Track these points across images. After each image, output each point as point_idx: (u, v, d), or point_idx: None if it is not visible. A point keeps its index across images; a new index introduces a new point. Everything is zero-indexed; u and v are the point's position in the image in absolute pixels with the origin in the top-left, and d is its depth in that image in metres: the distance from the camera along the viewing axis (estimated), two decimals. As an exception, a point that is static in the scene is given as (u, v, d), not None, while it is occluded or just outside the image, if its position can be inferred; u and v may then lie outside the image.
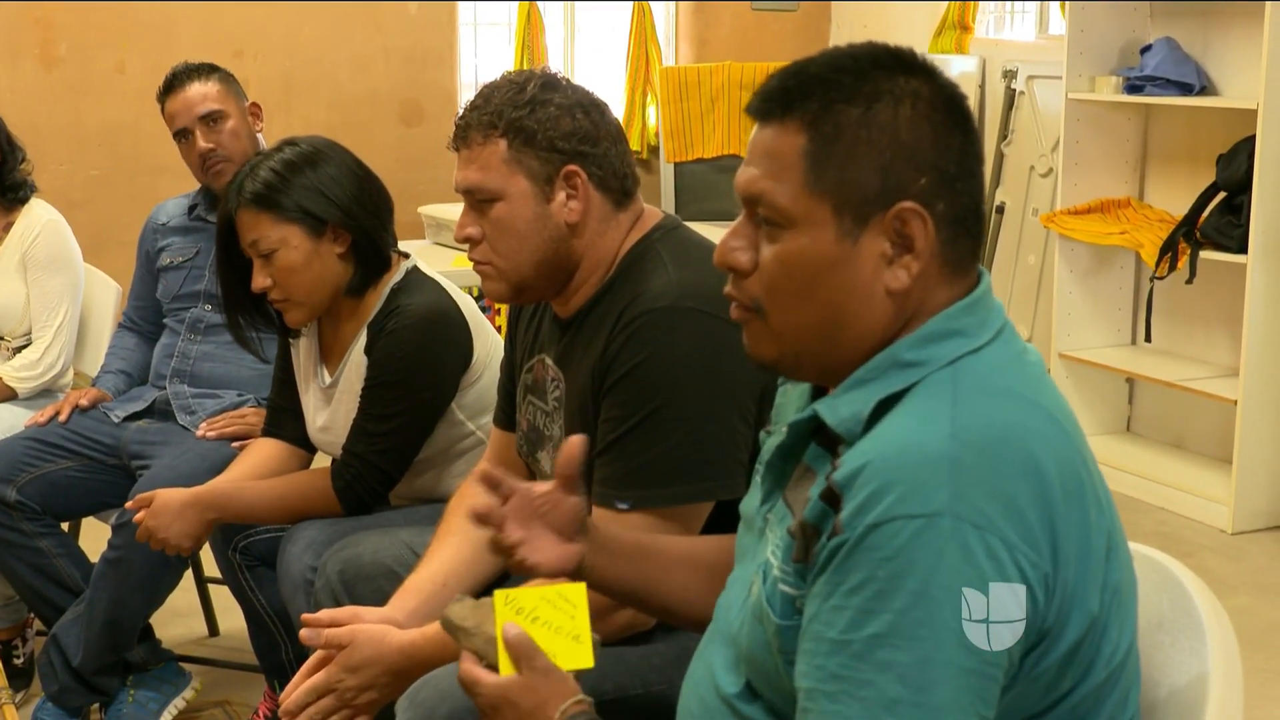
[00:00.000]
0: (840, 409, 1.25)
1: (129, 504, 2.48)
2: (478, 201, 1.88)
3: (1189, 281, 4.44)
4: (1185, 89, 4.60)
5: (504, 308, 4.75)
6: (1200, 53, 4.69)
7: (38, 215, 3.28)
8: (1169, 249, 4.47)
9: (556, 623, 1.41)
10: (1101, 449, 4.76)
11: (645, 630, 1.79)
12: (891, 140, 1.24)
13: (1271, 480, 4.36)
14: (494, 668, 1.40)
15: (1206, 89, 4.65)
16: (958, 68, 5.89)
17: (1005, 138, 5.70)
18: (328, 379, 2.51)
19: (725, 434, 1.77)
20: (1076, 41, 4.85)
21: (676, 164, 6.41)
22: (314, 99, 5.85)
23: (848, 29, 6.62)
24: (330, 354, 2.52)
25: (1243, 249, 4.27)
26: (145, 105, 3.14)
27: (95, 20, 5.46)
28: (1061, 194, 4.96)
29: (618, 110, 5.76)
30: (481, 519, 1.49)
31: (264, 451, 2.60)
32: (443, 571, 2.01)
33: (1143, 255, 4.64)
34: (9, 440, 2.95)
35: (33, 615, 3.14)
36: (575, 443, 1.51)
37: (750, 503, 1.42)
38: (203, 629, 3.46)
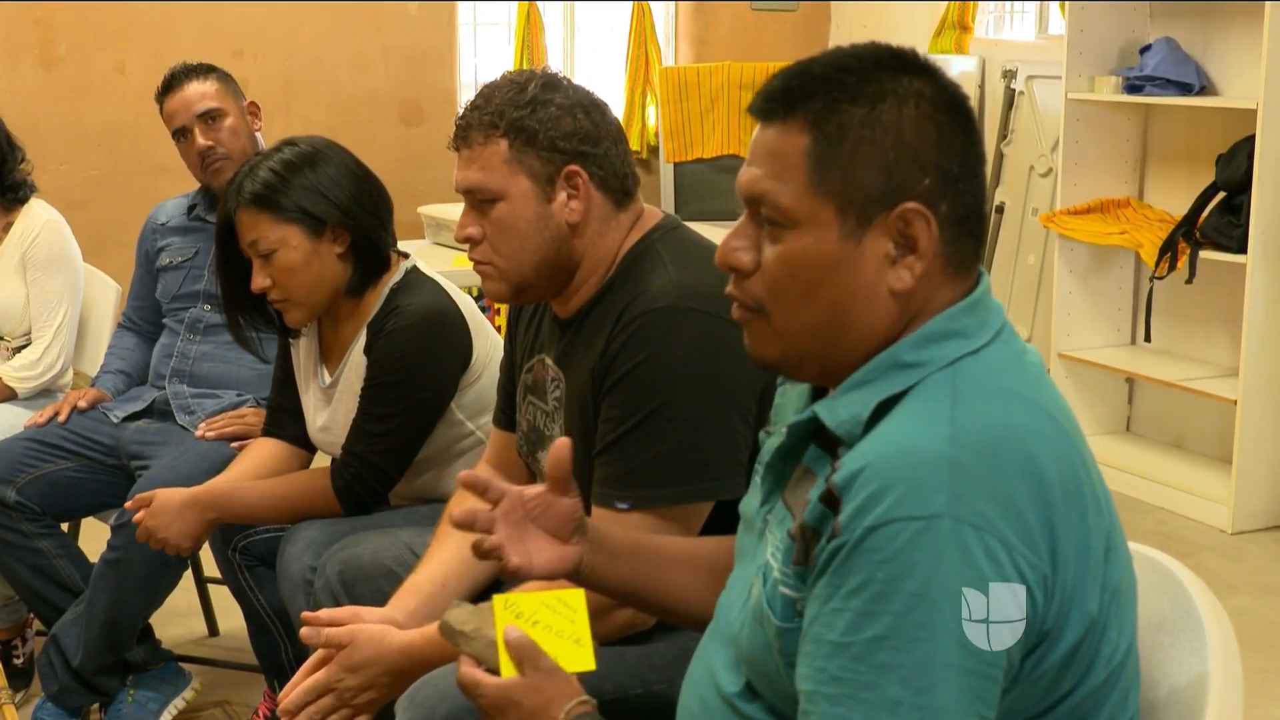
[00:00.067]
0: (839, 410, 1.25)
1: (128, 504, 2.48)
2: (478, 201, 1.88)
3: (1189, 281, 4.44)
4: (1185, 89, 4.60)
5: (504, 308, 4.76)
6: (1200, 53, 4.69)
7: (37, 215, 3.27)
8: (1169, 249, 4.47)
9: (556, 626, 1.41)
10: (1101, 449, 4.76)
11: (645, 630, 1.79)
12: (896, 140, 1.24)
13: (1271, 480, 4.36)
14: (494, 671, 1.40)
15: (1206, 89, 4.65)
16: (957, 68, 5.89)
17: (1005, 138, 5.70)
18: (328, 379, 2.51)
19: (725, 434, 1.77)
20: (1076, 41, 4.85)
21: (676, 164, 6.41)
22: (314, 99, 5.85)
23: (847, 29, 6.62)
24: (330, 354, 2.52)
25: (1242, 249, 4.27)
26: (145, 105, 3.14)
27: (95, 20, 5.46)
28: (1061, 194, 4.96)
29: (617, 110, 5.75)
30: (463, 524, 1.49)
31: (264, 451, 2.60)
32: (442, 572, 2.01)
33: (1142, 255, 4.64)
34: (8, 441, 2.95)
35: (32, 615, 3.13)
36: (563, 445, 1.51)
37: (750, 503, 1.41)
38: (202, 629, 3.46)
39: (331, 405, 2.50)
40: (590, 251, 1.89)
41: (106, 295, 3.43)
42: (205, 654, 3.29)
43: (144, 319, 3.21)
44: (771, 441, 1.37)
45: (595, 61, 6.61)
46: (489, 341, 2.47)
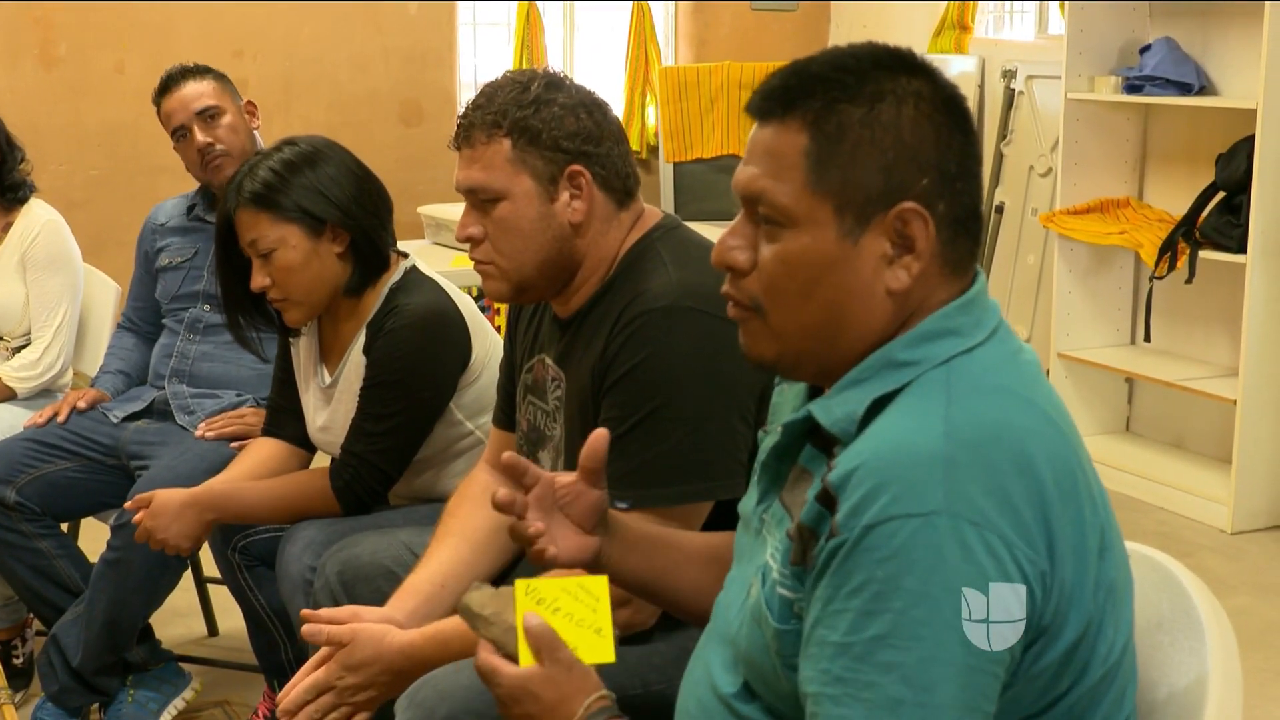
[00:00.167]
0: (834, 409, 1.25)
1: (128, 505, 2.48)
2: (480, 201, 1.87)
3: (1188, 281, 4.44)
4: (1184, 89, 4.60)
5: (503, 308, 4.76)
6: (1199, 53, 4.69)
7: (37, 215, 3.27)
8: (1168, 249, 4.47)
9: (578, 615, 1.39)
10: (1101, 449, 4.76)
11: (645, 630, 1.79)
12: (894, 140, 1.24)
13: (1271, 480, 4.36)
14: (511, 657, 1.37)
15: (1206, 89, 4.65)
16: (957, 67, 5.89)
17: (1004, 137, 5.70)
18: (327, 378, 2.51)
19: (725, 433, 1.77)
20: (1076, 41, 4.85)
21: (676, 164, 6.41)
22: (313, 99, 5.85)
23: (847, 29, 6.62)
24: (330, 353, 2.53)
25: (1242, 249, 4.27)
26: (145, 105, 3.14)
27: (95, 20, 5.46)
28: (1061, 194, 4.96)
29: (617, 110, 5.75)
30: (504, 506, 1.47)
31: (264, 451, 2.60)
32: (441, 572, 2.01)
33: (1142, 255, 4.64)
34: (8, 441, 2.95)
35: (32, 615, 3.13)
36: (600, 436, 1.50)
37: (748, 503, 1.41)
38: (202, 629, 3.46)
39: (331, 405, 2.50)
40: (591, 251, 1.89)
41: (106, 295, 3.43)
42: (205, 654, 3.29)
43: (143, 319, 3.21)
44: (768, 441, 1.37)
45: (595, 61, 6.61)
46: (488, 341, 2.47)
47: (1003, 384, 1.23)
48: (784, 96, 1.27)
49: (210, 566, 2.99)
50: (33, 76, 5.41)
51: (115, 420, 2.99)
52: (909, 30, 6.17)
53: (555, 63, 6.47)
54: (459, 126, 1.89)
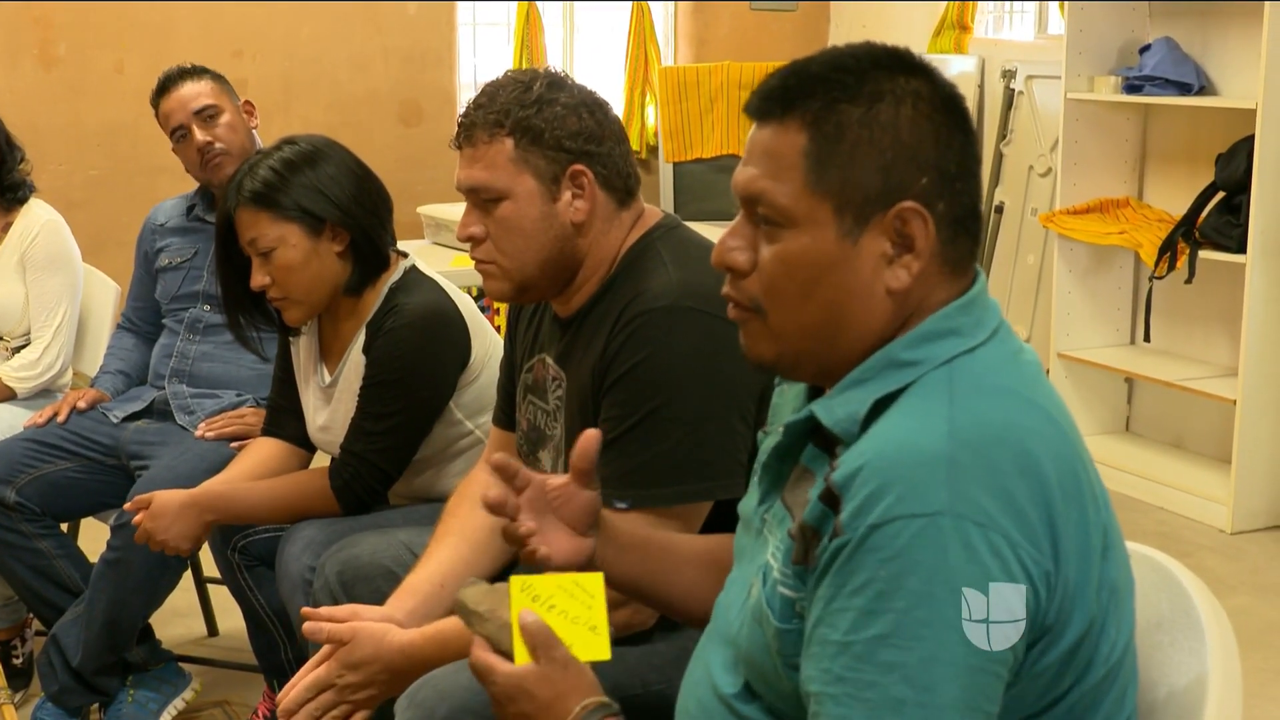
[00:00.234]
0: (836, 409, 1.25)
1: (127, 506, 2.48)
2: (482, 200, 1.87)
3: (1188, 281, 4.44)
4: (1184, 89, 4.60)
5: (503, 307, 4.75)
6: (1199, 53, 4.69)
7: (37, 215, 3.27)
8: (1168, 249, 4.47)
9: (573, 612, 1.38)
10: (1100, 449, 4.76)
11: (644, 630, 1.79)
12: (893, 140, 1.24)
13: (1270, 480, 4.36)
14: (506, 654, 1.37)
15: (1205, 89, 4.65)
16: (957, 67, 5.89)
17: (1004, 137, 5.70)
18: (327, 378, 2.51)
19: (724, 434, 1.77)
20: (1075, 41, 4.85)
21: (675, 164, 6.41)
22: (313, 99, 5.85)
23: (846, 29, 6.62)
24: (330, 353, 2.53)
25: (1242, 249, 4.27)
26: (144, 105, 3.15)
27: (94, 20, 5.46)
28: (1060, 194, 4.96)
29: (617, 110, 5.76)
30: (494, 508, 1.47)
31: (263, 451, 2.60)
32: (440, 572, 2.01)
33: (1142, 255, 4.64)
34: (8, 441, 2.95)
35: (32, 615, 3.14)
36: (591, 436, 1.50)
37: (748, 503, 1.41)
38: (202, 629, 3.46)
39: (331, 404, 2.50)
40: (593, 250, 1.89)
41: (106, 295, 3.43)
42: (205, 654, 3.29)
43: (143, 319, 3.21)
44: (769, 441, 1.37)
45: (594, 61, 6.61)
46: (488, 341, 2.47)
47: (1005, 384, 1.23)
48: (783, 97, 1.27)
49: (210, 566, 2.99)
50: (32, 76, 5.41)
51: (115, 420, 2.99)
52: (908, 30, 6.17)
53: (555, 63, 6.47)
54: (460, 126, 1.89)
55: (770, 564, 1.27)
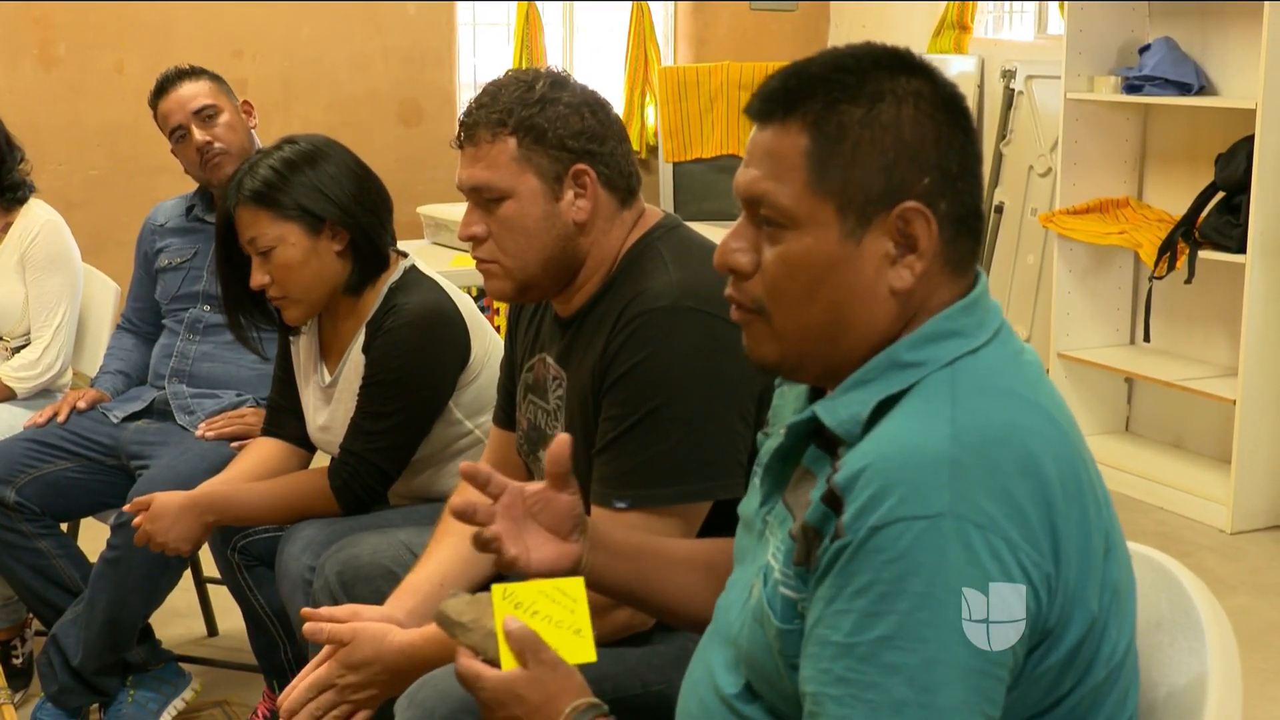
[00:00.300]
0: (839, 410, 1.25)
1: (127, 507, 2.48)
2: (484, 200, 1.87)
3: (1188, 281, 4.44)
4: (1184, 89, 4.61)
5: (503, 308, 4.75)
6: (1199, 52, 4.69)
7: (36, 215, 3.27)
8: (1168, 249, 4.47)
9: (556, 617, 1.39)
10: (1100, 449, 4.76)
11: (644, 630, 1.79)
12: (895, 140, 1.24)
13: (1270, 480, 4.36)
14: (493, 662, 1.37)
15: (1205, 89, 4.65)
16: (956, 67, 5.89)
17: (1004, 137, 5.70)
18: (328, 377, 2.51)
19: (724, 434, 1.77)
20: (1075, 41, 4.85)
21: (675, 164, 6.41)
22: (313, 99, 5.85)
23: (846, 29, 6.62)
24: (330, 352, 2.53)
25: (1241, 249, 4.27)
26: (144, 105, 3.15)
27: (94, 20, 5.46)
28: (1060, 194, 4.96)
29: (617, 110, 5.76)
30: (461, 515, 1.47)
31: (263, 451, 2.60)
32: (440, 571, 2.01)
33: (1141, 255, 4.64)
34: (8, 441, 2.95)
35: (31, 616, 3.14)
36: (563, 441, 1.50)
37: (749, 505, 1.41)
38: (202, 629, 3.46)
39: (331, 404, 2.50)
40: (594, 250, 1.89)
41: (106, 295, 3.43)
42: (204, 654, 3.29)
43: (143, 320, 3.21)
44: (770, 443, 1.36)
45: (594, 61, 6.61)
46: (487, 340, 2.47)
47: (1007, 386, 1.23)
48: (784, 98, 1.27)
49: (210, 566, 2.99)
50: (32, 76, 5.41)
51: (115, 420, 2.99)
52: (908, 30, 6.17)
53: (555, 63, 6.47)
54: (462, 125, 1.88)
55: (771, 565, 1.27)
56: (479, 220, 1.88)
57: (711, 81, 6.39)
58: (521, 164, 1.84)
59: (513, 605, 1.38)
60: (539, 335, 2.02)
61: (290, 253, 2.38)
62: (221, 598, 3.03)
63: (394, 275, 2.46)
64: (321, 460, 2.54)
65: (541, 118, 1.83)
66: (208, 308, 3.04)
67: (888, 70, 1.26)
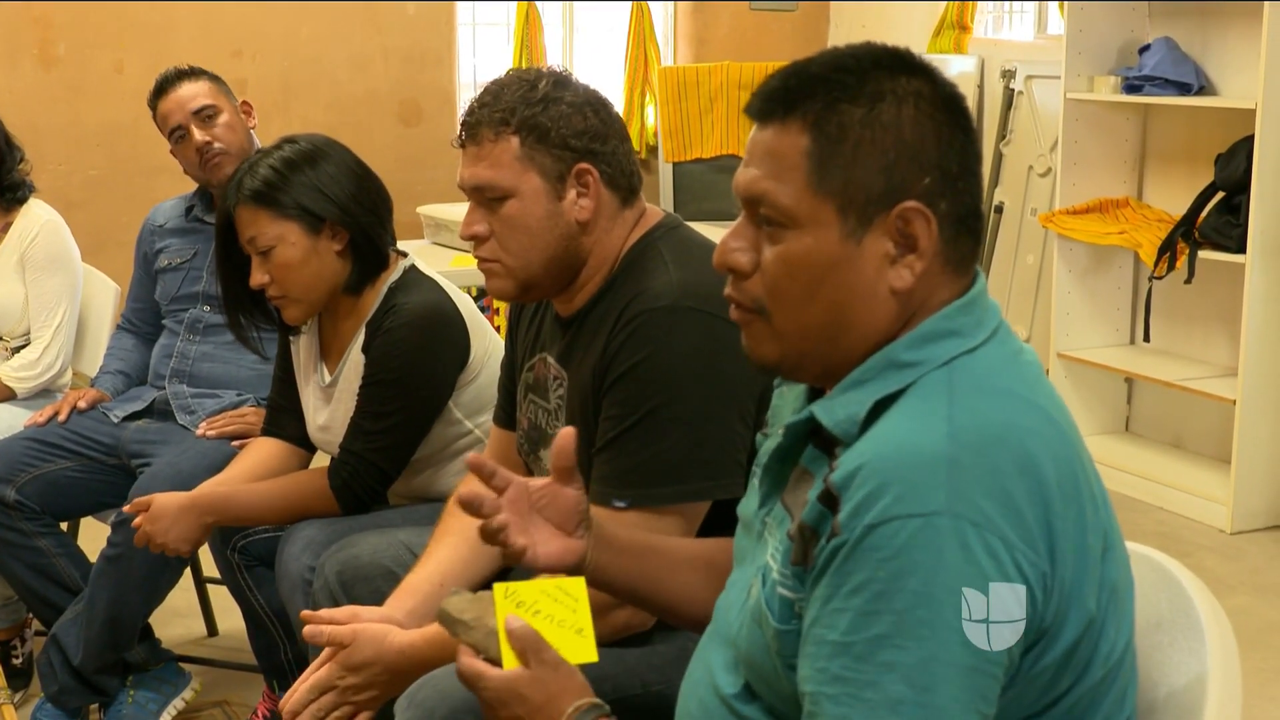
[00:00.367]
0: (836, 410, 1.25)
1: (127, 508, 2.48)
2: (487, 199, 1.87)
3: (1188, 281, 4.44)
4: (1184, 89, 4.61)
5: (503, 308, 4.75)
6: (1199, 52, 4.69)
7: (36, 215, 3.27)
8: (1167, 249, 4.47)
9: (558, 616, 1.39)
10: (1100, 449, 4.76)
11: (644, 630, 1.79)
12: (895, 140, 1.24)
13: (1270, 480, 4.36)
14: (494, 661, 1.37)
15: (1205, 89, 4.65)
16: (956, 68, 5.89)
17: (1004, 137, 5.70)
18: (328, 377, 2.51)
19: (724, 434, 1.77)
20: (1075, 41, 4.85)
21: (675, 164, 6.41)
22: (312, 99, 5.85)
23: (846, 29, 6.62)
24: (330, 352, 2.53)
25: (1241, 249, 4.27)
26: (144, 105, 3.15)
27: (94, 20, 5.46)
28: (1060, 194, 4.96)
29: (617, 110, 5.75)
30: (471, 506, 1.47)
31: (263, 450, 2.60)
32: (440, 571, 2.01)
33: (1141, 255, 4.64)
34: (8, 440, 2.95)
35: (31, 616, 3.13)
36: (568, 434, 1.50)
37: (748, 505, 1.41)
38: (201, 629, 3.46)
39: (331, 404, 2.50)
40: (596, 249, 1.89)
41: (105, 295, 3.43)
42: (204, 654, 3.29)
43: (143, 320, 3.21)
44: (769, 443, 1.36)
45: (594, 61, 6.61)
46: (487, 340, 2.47)
47: (1005, 385, 1.23)
48: (784, 98, 1.27)
49: (210, 566, 2.99)
50: (32, 76, 5.41)
51: (116, 420, 2.99)
52: (908, 30, 6.17)
53: (555, 63, 6.46)
54: (464, 124, 1.88)
55: (770, 565, 1.27)
56: (481, 219, 1.88)
57: (711, 81, 6.39)
58: (524, 163, 1.84)
59: (515, 604, 1.38)
60: (540, 335, 2.02)
61: (290, 252, 2.38)
62: (221, 598, 3.03)
63: (394, 275, 2.46)
64: (321, 460, 2.54)
65: (545, 117, 1.83)
66: (208, 308, 3.04)
67: (888, 70, 1.26)
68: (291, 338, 2.58)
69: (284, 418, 2.60)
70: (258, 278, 2.40)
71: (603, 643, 1.49)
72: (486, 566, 2.04)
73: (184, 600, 3.33)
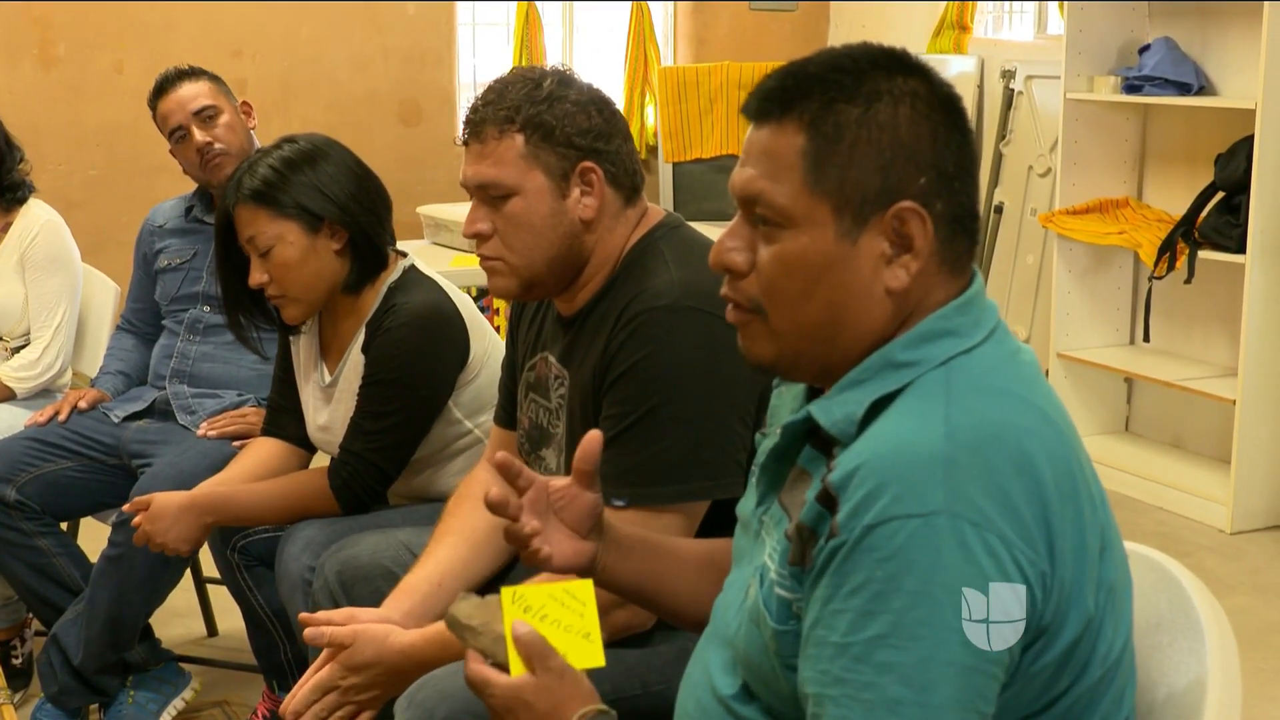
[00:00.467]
0: (834, 410, 1.25)
1: (127, 507, 2.48)
2: (490, 197, 1.87)
3: (1187, 281, 4.44)
4: (1184, 89, 4.61)
5: (503, 308, 4.75)
6: (1199, 53, 4.69)
7: (36, 215, 3.27)
8: (1167, 249, 4.47)
9: (565, 621, 1.39)
10: (1100, 449, 4.76)
11: (644, 631, 1.79)
12: (892, 140, 1.24)
13: (1270, 480, 4.36)
14: (502, 667, 1.37)
15: (1205, 89, 4.65)
16: (956, 68, 5.89)
17: (1004, 138, 5.69)
18: (328, 377, 2.51)
19: (723, 433, 1.77)
20: (1075, 41, 4.85)
21: (675, 164, 6.41)
22: (312, 99, 5.85)
23: (846, 29, 6.62)
24: (330, 352, 2.53)
25: (1241, 249, 4.27)
26: (144, 105, 3.15)
27: (94, 20, 5.46)
28: (1060, 194, 4.96)
29: (616, 110, 5.74)
30: (496, 507, 1.47)
31: (263, 451, 2.60)
32: (438, 571, 2.01)
33: (1141, 255, 4.64)
34: (8, 440, 2.95)
35: (31, 616, 3.13)
36: (594, 438, 1.50)
37: (746, 505, 1.41)
38: (201, 629, 3.46)
39: (331, 404, 2.50)
40: (598, 248, 1.89)
41: (105, 295, 3.43)
42: (204, 654, 3.29)
43: (143, 320, 3.21)
44: (766, 443, 1.37)
45: (594, 61, 6.61)
46: (487, 340, 2.47)
47: (1002, 384, 1.23)
48: (781, 97, 1.27)
49: (210, 566, 2.99)
50: (32, 76, 5.41)
51: (116, 420, 2.99)
52: (908, 30, 6.17)
53: (554, 63, 6.46)
54: (468, 121, 1.88)
55: (767, 565, 1.27)
56: (484, 217, 1.88)
57: (711, 82, 6.39)
58: (529, 161, 1.84)
59: (522, 609, 1.38)
60: (541, 334, 2.02)
61: (289, 251, 2.38)
62: (221, 598, 3.03)
63: (393, 275, 2.46)
64: (321, 460, 2.54)
65: (549, 115, 1.83)
66: (207, 308, 3.04)
67: (884, 70, 1.26)
68: (291, 338, 2.58)
69: (284, 418, 2.60)
70: (256, 277, 2.40)
71: (603, 643, 1.49)
72: (485, 567, 2.04)
73: (184, 600, 3.33)
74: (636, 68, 6.52)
